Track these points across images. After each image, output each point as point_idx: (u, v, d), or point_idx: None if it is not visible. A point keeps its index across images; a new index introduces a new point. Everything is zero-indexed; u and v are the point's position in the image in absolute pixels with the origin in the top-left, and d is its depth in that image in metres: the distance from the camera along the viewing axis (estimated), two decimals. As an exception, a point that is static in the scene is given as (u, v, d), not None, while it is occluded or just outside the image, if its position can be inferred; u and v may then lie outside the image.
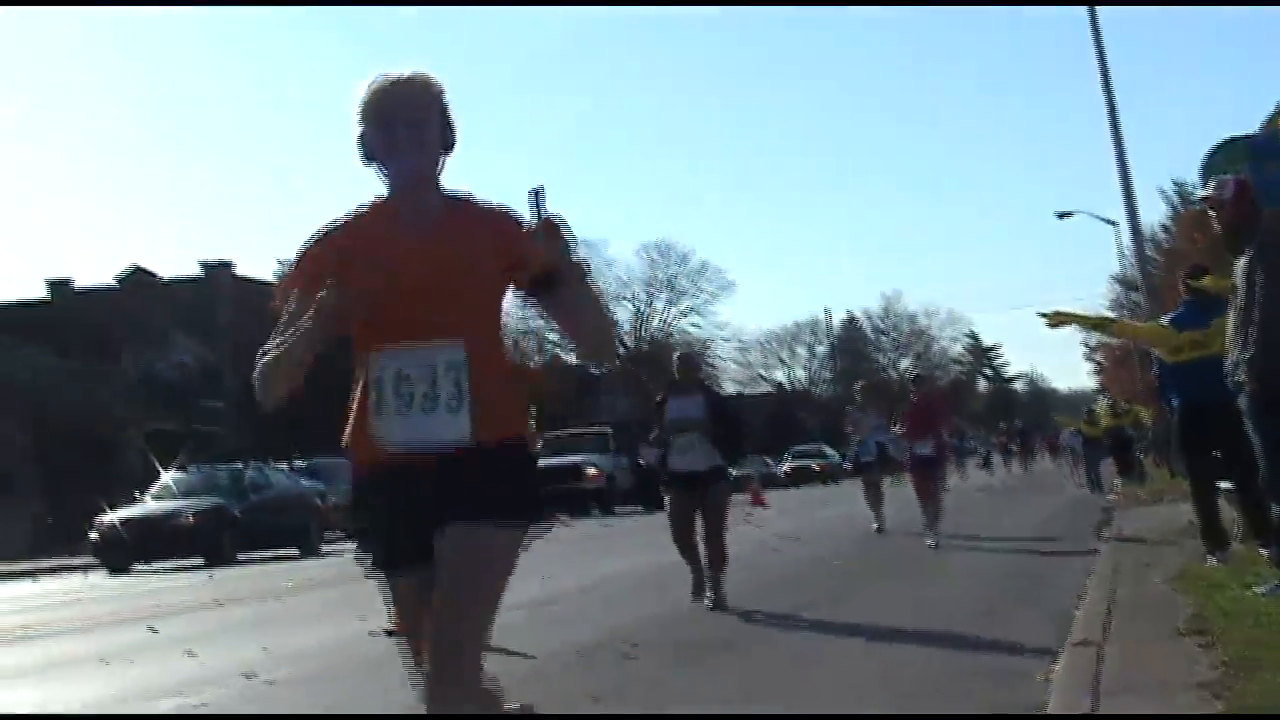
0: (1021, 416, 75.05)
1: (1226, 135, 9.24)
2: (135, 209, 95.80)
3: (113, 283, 49.08)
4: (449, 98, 3.03)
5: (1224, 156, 8.90)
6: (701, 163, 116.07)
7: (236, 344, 37.06)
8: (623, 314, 75.97)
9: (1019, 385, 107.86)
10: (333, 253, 2.97)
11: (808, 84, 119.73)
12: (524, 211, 2.89)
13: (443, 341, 2.90)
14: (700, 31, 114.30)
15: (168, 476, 23.93)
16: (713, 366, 73.24)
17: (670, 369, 9.68)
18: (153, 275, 49.09)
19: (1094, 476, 24.98)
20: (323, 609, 11.30)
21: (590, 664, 6.71)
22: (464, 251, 2.93)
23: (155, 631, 9.87)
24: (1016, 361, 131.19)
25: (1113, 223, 38.27)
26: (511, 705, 3.12)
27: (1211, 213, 6.77)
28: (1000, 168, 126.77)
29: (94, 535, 22.03)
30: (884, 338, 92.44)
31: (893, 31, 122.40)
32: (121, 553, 21.58)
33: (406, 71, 2.99)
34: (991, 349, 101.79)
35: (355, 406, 3.00)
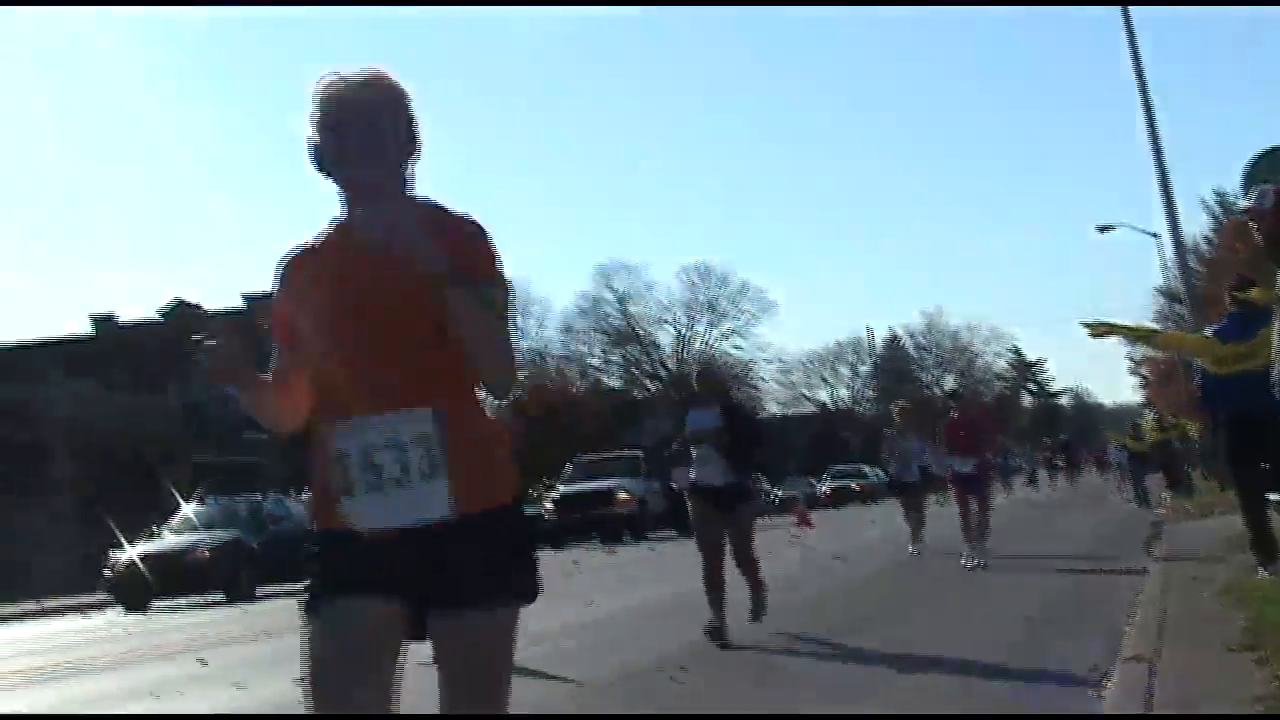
0: (1066, 431, 74.43)
1: (1268, 144, 9.17)
2: (177, 242, 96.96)
3: (155, 316, 49.71)
4: (410, 99, 2.74)
5: (1266, 165, 8.83)
6: (740, 183, 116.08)
7: (280, 376, 37.19)
8: (664, 337, 75.94)
9: (1064, 400, 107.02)
10: (292, 291, 2.82)
11: (847, 104, 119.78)
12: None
13: (407, 410, 2.61)
14: (737, 52, 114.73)
15: (187, 509, 23.39)
16: (754, 388, 72.89)
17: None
18: (196, 307, 49.64)
19: (1141, 491, 24.84)
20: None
21: (641, 688, 6.72)
22: (419, 271, 2.59)
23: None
24: (1061, 377, 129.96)
25: (1155, 235, 38.01)
26: None
27: (1252, 224, 6.74)
28: (1040, 182, 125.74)
29: (107, 573, 21.21)
30: (927, 355, 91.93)
31: (928, 48, 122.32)
32: (139, 590, 20.54)
33: (360, 72, 2.72)
34: (1035, 364, 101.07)
35: (317, 485, 2.73)
